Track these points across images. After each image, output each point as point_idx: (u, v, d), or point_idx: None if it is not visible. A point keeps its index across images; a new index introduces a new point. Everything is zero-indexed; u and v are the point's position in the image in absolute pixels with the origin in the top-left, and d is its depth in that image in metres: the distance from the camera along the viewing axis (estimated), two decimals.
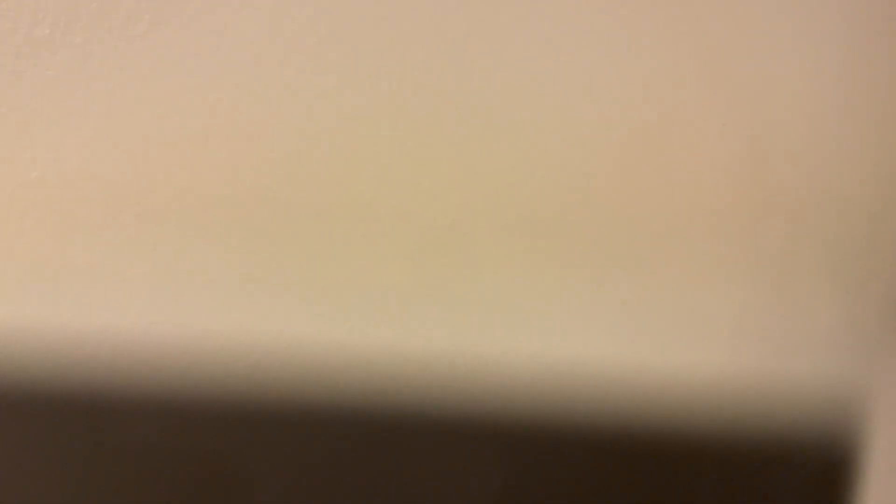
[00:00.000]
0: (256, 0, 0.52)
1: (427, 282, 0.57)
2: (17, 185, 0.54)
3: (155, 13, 0.52)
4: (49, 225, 0.55)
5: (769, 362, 0.59)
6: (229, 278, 0.57)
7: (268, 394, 0.58)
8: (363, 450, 0.59)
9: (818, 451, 0.59)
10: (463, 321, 0.58)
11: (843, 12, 0.53)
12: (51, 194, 0.54)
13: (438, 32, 0.53)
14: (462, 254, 0.57)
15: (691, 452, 0.59)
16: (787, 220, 0.57)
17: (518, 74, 0.53)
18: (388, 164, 0.55)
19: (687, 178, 0.56)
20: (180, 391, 0.58)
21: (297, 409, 0.58)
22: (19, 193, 0.54)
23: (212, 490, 0.59)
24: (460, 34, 0.53)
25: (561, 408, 0.59)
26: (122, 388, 0.57)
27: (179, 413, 0.58)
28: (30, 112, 0.53)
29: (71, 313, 0.57)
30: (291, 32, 0.52)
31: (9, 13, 0.51)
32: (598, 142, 0.55)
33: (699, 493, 0.60)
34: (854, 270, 0.58)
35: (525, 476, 0.60)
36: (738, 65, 0.54)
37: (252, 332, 0.58)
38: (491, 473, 0.59)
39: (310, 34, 0.52)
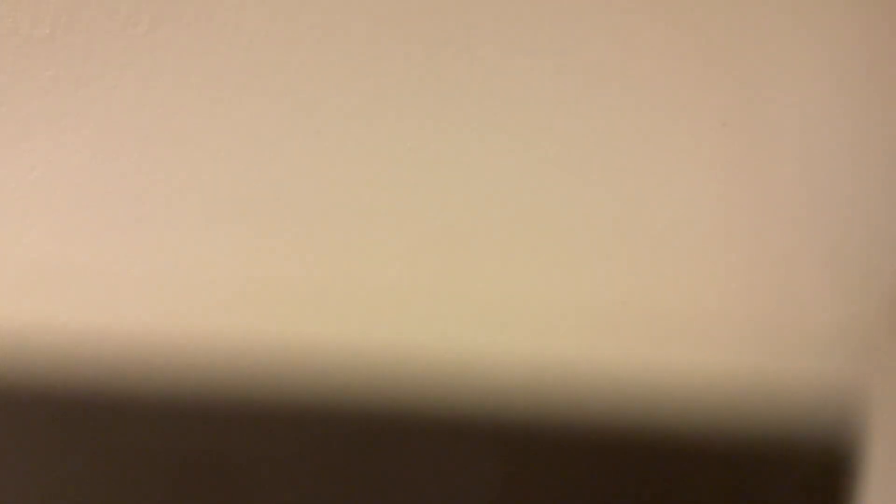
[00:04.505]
0: (256, 0, 0.52)
1: (427, 282, 0.57)
2: (17, 185, 0.54)
3: (155, 13, 0.52)
4: (49, 225, 0.55)
5: (769, 362, 0.59)
6: (229, 279, 0.57)
7: (267, 394, 0.58)
8: (363, 449, 0.59)
9: (818, 451, 0.59)
10: (463, 321, 0.58)
11: (843, 13, 0.53)
12: (51, 194, 0.54)
13: (440, 35, 0.53)
14: (462, 254, 0.57)
15: (691, 452, 0.59)
16: (788, 221, 0.57)
17: (516, 75, 0.53)
18: (389, 165, 0.55)
19: (686, 179, 0.56)
20: (180, 391, 0.58)
21: (296, 409, 0.58)
22: (19, 193, 0.54)
23: (212, 490, 0.59)
24: (461, 35, 0.53)
25: (560, 408, 0.59)
26: (122, 388, 0.57)
27: (179, 413, 0.58)
28: (30, 112, 0.53)
29: (71, 313, 0.57)
30: (291, 33, 0.52)
31: (9, 13, 0.51)
32: (598, 142, 0.55)
33: (699, 493, 0.60)
34: (854, 270, 0.58)
35: (525, 475, 0.60)
36: (739, 67, 0.54)
37: (252, 333, 0.58)
38: (491, 473, 0.59)
39: (310, 35, 0.52)
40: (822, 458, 0.59)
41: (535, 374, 0.59)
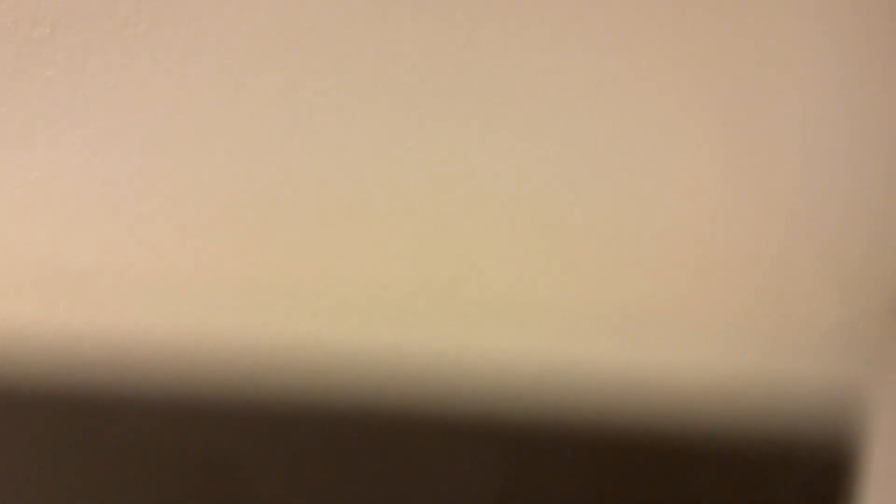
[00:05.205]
0: (257, 0, 0.52)
1: (427, 282, 0.57)
2: (17, 185, 0.54)
3: (155, 13, 0.52)
4: (49, 225, 0.55)
5: (769, 362, 0.59)
6: (229, 278, 0.57)
7: (267, 394, 0.58)
8: (363, 449, 0.59)
9: (818, 451, 0.59)
10: (463, 321, 0.58)
11: (843, 14, 0.53)
12: (51, 194, 0.54)
13: (439, 33, 0.53)
14: (462, 254, 0.57)
15: (691, 452, 0.59)
16: (787, 221, 0.57)
17: (517, 75, 0.53)
18: (390, 165, 0.55)
19: (687, 179, 0.56)
20: (180, 391, 0.58)
21: (296, 409, 0.58)
22: (19, 193, 0.54)
23: (211, 490, 0.59)
24: (461, 35, 0.53)
25: (560, 408, 0.59)
26: (122, 388, 0.57)
27: (179, 413, 0.58)
28: (30, 112, 0.53)
29: (71, 313, 0.57)
30: (291, 33, 0.52)
31: (9, 13, 0.51)
32: (599, 142, 0.55)
33: (699, 493, 0.60)
34: (854, 270, 0.58)
35: (525, 476, 0.60)
36: (738, 67, 0.54)
37: (252, 333, 0.58)
38: (491, 473, 0.59)
39: (310, 34, 0.52)
40: (822, 458, 0.59)
41: (535, 374, 0.59)
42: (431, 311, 0.58)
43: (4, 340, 0.57)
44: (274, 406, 0.58)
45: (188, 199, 0.55)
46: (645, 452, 0.59)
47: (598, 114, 0.54)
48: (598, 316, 0.58)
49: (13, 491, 0.58)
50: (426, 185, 0.55)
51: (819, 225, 0.57)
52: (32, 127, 0.53)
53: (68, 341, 0.57)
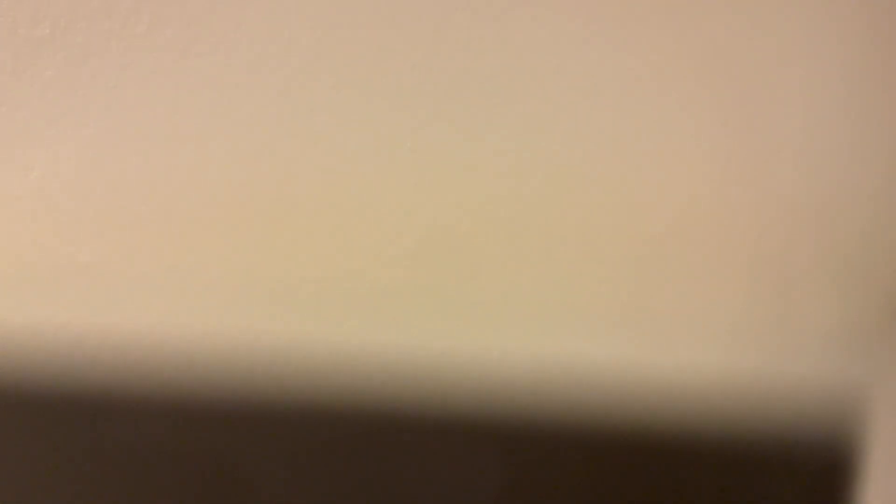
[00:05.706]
0: (256, 0, 0.52)
1: (427, 282, 0.57)
2: (17, 185, 0.54)
3: (155, 13, 0.52)
4: (49, 225, 0.55)
5: (769, 362, 0.59)
6: (230, 279, 0.57)
7: (268, 394, 0.58)
8: (363, 449, 0.59)
9: (818, 451, 0.59)
10: (463, 321, 0.58)
11: (843, 14, 0.53)
12: (51, 194, 0.54)
13: (439, 34, 0.53)
14: (462, 254, 0.57)
15: (690, 452, 0.59)
16: (787, 220, 0.57)
17: (517, 75, 0.53)
18: (388, 165, 0.55)
19: (687, 179, 0.56)
20: (181, 391, 0.58)
21: (297, 409, 0.58)
22: (19, 193, 0.54)
23: (212, 490, 0.59)
24: (461, 35, 0.53)
25: (560, 408, 0.59)
26: (122, 388, 0.57)
27: (180, 413, 0.58)
28: (30, 112, 0.53)
29: (71, 313, 0.57)
30: (291, 33, 0.52)
31: (9, 13, 0.51)
32: (599, 142, 0.55)
33: (698, 493, 0.60)
34: (854, 270, 0.58)
35: (524, 476, 0.60)
36: (738, 65, 0.54)
37: (252, 333, 0.58)
38: (491, 473, 0.59)
39: (309, 34, 0.52)
40: (822, 458, 0.59)
41: (535, 374, 0.59)
42: (431, 311, 0.58)
43: (4, 340, 0.57)
44: (275, 406, 0.58)
45: (188, 199, 0.55)
46: (645, 452, 0.59)
47: (598, 113, 0.54)
48: (598, 316, 0.58)
49: (13, 491, 0.58)
50: (426, 185, 0.55)
51: (819, 224, 0.57)
52: (32, 127, 0.53)
53: (68, 341, 0.57)
